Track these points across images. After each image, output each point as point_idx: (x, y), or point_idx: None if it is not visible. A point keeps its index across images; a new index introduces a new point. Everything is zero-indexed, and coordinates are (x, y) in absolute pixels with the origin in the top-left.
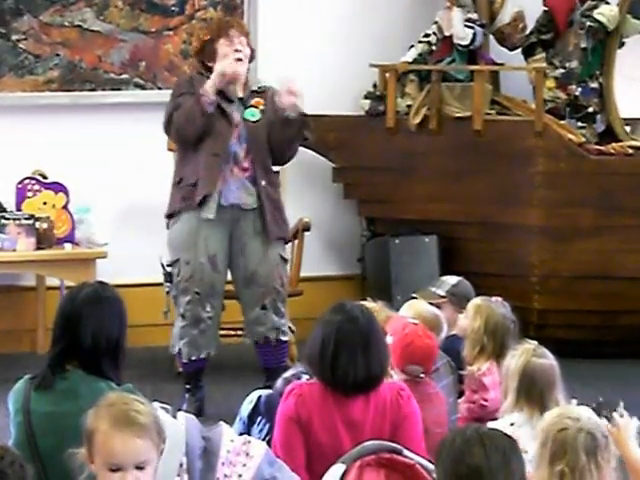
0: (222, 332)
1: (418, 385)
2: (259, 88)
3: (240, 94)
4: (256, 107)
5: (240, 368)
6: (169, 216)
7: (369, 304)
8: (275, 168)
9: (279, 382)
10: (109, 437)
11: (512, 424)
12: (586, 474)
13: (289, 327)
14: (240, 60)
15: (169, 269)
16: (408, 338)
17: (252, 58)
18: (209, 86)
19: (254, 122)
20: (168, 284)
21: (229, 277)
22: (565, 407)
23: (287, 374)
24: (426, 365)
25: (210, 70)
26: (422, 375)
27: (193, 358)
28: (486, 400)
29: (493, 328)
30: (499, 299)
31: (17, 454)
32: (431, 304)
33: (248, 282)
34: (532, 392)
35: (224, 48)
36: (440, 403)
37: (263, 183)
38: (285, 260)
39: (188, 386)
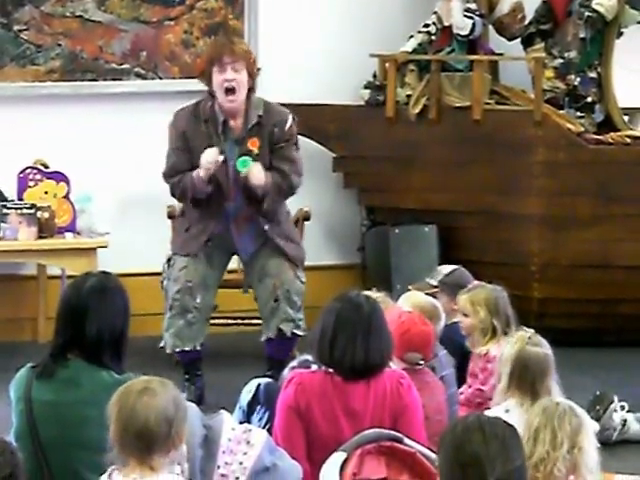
0: (221, 321)
1: (417, 374)
2: (259, 118)
3: (238, 133)
4: (250, 152)
5: (240, 357)
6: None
7: (373, 294)
8: None
9: (286, 370)
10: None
11: (507, 411)
12: (540, 436)
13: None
14: (231, 90)
15: (169, 261)
16: (405, 326)
17: (254, 77)
18: (202, 175)
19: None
20: (164, 275)
21: (231, 266)
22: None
23: (294, 363)
24: (424, 351)
25: (213, 94)
26: (421, 362)
27: (177, 350)
28: (484, 384)
29: (496, 308)
30: (475, 282)
31: (8, 442)
32: (427, 294)
33: (261, 276)
34: (523, 379)
35: (217, 76)
36: (439, 391)
37: (267, 227)
38: (298, 259)
39: (187, 376)
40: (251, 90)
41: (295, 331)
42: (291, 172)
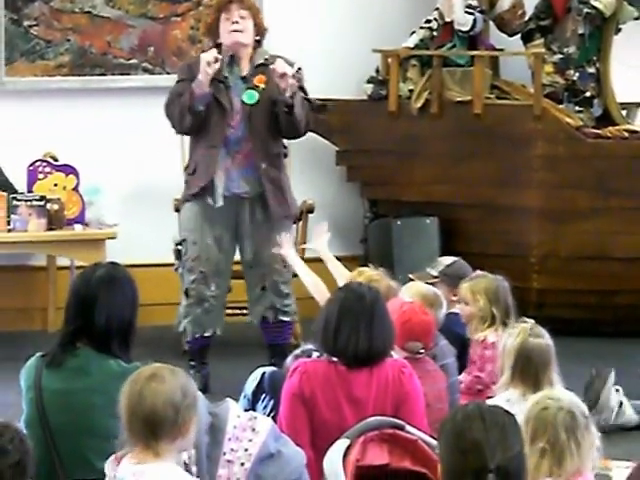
0: (228, 311)
1: (418, 362)
2: (265, 60)
3: (244, 72)
4: (257, 87)
5: (245, 345)
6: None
7: (370, 271)
8: (285, 142)
9: (289, 359)
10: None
11: (508, 400)
12: (566, 451)
13: (293, 309)
14: (238, 32)
15: (179, 247)
16: (406, 315)
17: (261, 33)
18: (200, 78)
19: (252, 105)
20: (177, 262)
21: (237, 258)
22: (548, 390)
23: (297, 351)
24: (425, 340)
25: (221, 47)
26: (422, 351)
27: (197, 336)
28: (481, 370)
29: (495, 297)
30: (478, 271)
31: (18, 430)
32: (427, 284)
33: (251, 263)
34: (527, 371)
35: (224, 23)
36: (440, 379)
37: (263, 166)
38: (290, 227)
39: (192, 363)
40: (259, 43)
41: (281, 317)
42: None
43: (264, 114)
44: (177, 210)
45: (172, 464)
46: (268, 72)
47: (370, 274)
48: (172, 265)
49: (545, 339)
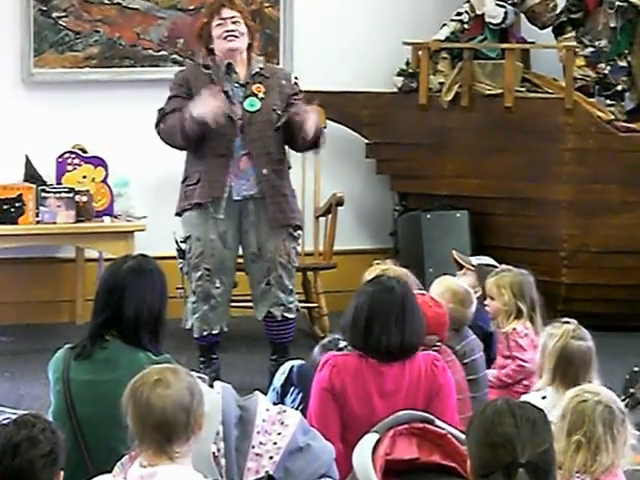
0: (238, 304)
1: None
2: (260, 69)
3: (241, 78)
4: (256, 95)
5: (255, 340)
6: (177, 214)
7: (392, 266)
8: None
9: (316, 349)
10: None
11: (544, 397)
12: (602, 445)
13: (296, 305)
14: (235, 37)
15: (182, 246)
16: None
17: (253, 35)
18: (194, 115)
19: (254, 112)
20: (181, 260)
21: (241, 253)
22: (586, 384)
23: (325, 341)
24: (440, 333)
25: (213, 52)
26: (438, 344)
27: (205, 333)
28: (525, 360)
29: (520, 291)
30: (502, 266)
31: (49, 421)
32: (458, 263)
33: (255, 257)
34: (568, 373)
35: (217, 30)
36: (457, 370)
37: (264, 172)
38: (295, 238)
39: (202, 359)
40: (251, 47)
41: (285, 314)
42: None
43: (264, 120)
44: (178, 215)
45: (184, 466)
46: (266, 83)
47: (381, 267)
48: None
49: (587, 341)
